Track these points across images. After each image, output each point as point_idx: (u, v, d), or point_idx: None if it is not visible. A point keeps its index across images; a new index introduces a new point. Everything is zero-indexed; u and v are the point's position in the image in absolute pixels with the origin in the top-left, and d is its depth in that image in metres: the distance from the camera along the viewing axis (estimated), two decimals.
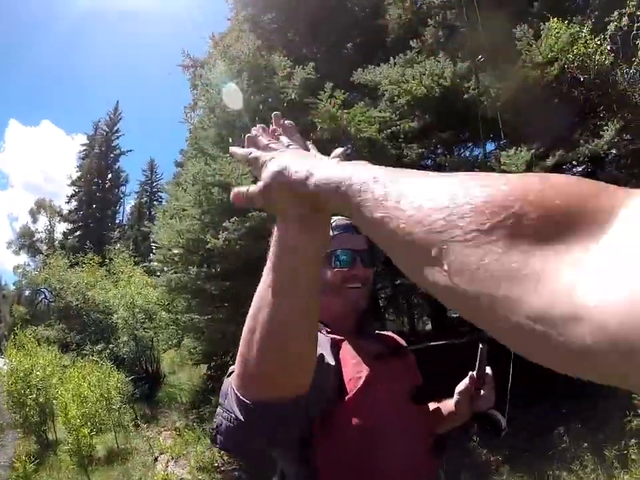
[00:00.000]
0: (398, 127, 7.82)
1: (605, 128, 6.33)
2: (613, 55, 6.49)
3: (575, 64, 6.61)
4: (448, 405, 1.55)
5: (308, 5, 9.53)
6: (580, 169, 7.88)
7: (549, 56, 6.77)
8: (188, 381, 13.47)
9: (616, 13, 6.45)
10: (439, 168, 7.94)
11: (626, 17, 6.29)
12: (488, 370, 1.52)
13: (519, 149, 6.32)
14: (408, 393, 1.34)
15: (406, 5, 8.91)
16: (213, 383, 11.75)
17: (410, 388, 1.36)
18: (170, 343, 14.57)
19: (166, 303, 12.15)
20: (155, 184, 42.89)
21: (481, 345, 1.48)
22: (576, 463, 5.28)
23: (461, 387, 1.53)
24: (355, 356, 1.25)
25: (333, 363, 1.12)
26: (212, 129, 8.92)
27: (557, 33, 6.70)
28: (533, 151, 6.29)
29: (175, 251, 9.58)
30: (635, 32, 6.38)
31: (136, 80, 75.92)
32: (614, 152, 6.94)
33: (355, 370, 1.21)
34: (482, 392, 1.50)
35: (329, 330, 1.32)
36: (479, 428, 1.53)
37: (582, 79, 6.56)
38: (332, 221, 1.34)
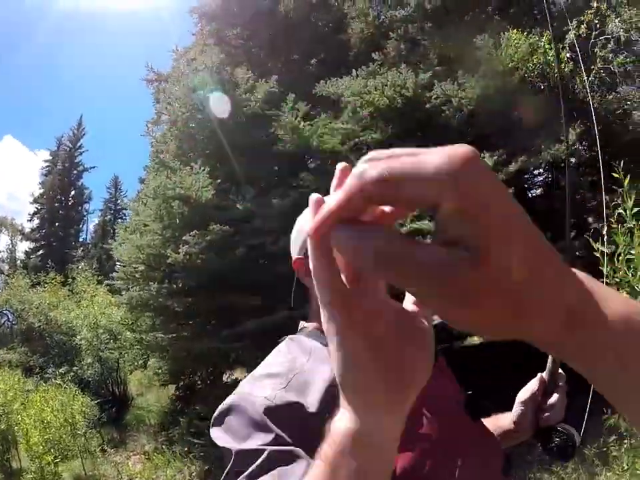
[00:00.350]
0: (361, 138, 7.62)
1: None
2: (572, 62, 6.43)
3: (535, 72, 6.52)
4: (501, 422, 1.19)
5: (272, 21, 9.39)
6: (541, 178, 7.83)
7: (510, 65, 6.66)
8: (156, 403, 12.89)
9: (575, 21, 6.39)
10: None
11: (584, 25, 6.24)
12: (560, 370, 1.15)
13: (482, 155, 6.13)
14: (461, 406, 1.02)
15: (368, 19, 8.84)
16: (182, 404, 11.36)
17: (460, 399, 1.05)
18: (136, 363, 14.03)
19: (130, 322, 11.62)
20: (119, 201, 40.71)
21: None
22: (556, 464, 5.03)
23: (524, 394, 1.16)
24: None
25: None
26: (173, 142, 8.62)
27: (517, 43, 6.61)
28: (495, 157, 6.12)
29: (136, 267, 9.15)
30: (592, 40, 6.35)
31: (100, 96, 73.82)
32: (573, 160, 6.85)
33: None
34: (551, 400, 1.13)
35: None
36: (543, 447, 1.14)
37: (542, 87, 6.47)
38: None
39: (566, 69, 6.43)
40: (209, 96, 7.88)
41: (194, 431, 8.96)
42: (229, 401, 0.92)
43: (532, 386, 1.15)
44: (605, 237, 3.29)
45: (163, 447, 9.27)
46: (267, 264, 8.02)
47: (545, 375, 1.14)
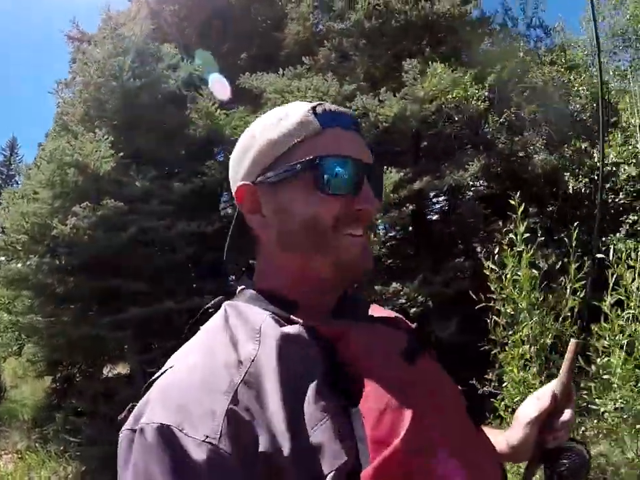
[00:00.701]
0: None
1: (470, 163, 6.26)
2: (488, 102, 6.59)
3: (453, 105, 6.59)
4: (495, 441, 0.83)
5: (212, 6, 8.99)
6: (439, 205, 8.09)
7: (430, 93, 6.68)
8: (31, 396, 11.42)
9: (499, 65, 6.60)
10: None
11: (507, 71, 6.48)
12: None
13: (389, 169, 5.99)
14: (466, 412, 0.73)
15: (307, 24, 8.71)
16: (58, 398, 10.08)
17: (463, 402, 0.75)
18: (10, 349, 12.50)
19: (6, 302, 10.31)
20: (12, 166, 35.51)
21: (573, 340, 0.90)
22: None
23: (529, 413, 0.88)
24: (382, 356, 0.63)
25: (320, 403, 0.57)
26: (81, 105, 7.76)
27: (442, 73, 6.68)
28: (402, 174, 5.99)
29: (18, 237, 8.09)
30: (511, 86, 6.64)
31: (11, 48, 66.33)
32: (471, 193, 7.10)
33: (388, 388, 0.59)
34: (564, 417, 0.87)
35: (291, 317, 0.66)
36: (552, 471, 0.89)
37: (457, 119, 6.56)
38: (315, 104, 0.72)
39: (481, 107, 6.56)
40: (129, 64, 7.20)
41: (70, 428, 7.81)
42: (148, 438, 0.56)
43: (539, 405, 0.88)
44: (496, 257, 3.41)
45: (37, 445, 8.03)
46: (158, 250, 7.34)
47: (556, 389, 0.88)
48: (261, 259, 0.76)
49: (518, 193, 3.59)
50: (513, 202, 3.45)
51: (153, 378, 0.63)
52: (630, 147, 6.20)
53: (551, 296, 3.10)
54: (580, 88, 7.33)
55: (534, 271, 3.21)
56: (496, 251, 3.40)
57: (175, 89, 7.41)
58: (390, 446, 0.55)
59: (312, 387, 0.58)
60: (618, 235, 5.33)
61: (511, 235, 3.38)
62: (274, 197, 0.71)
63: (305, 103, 0.74)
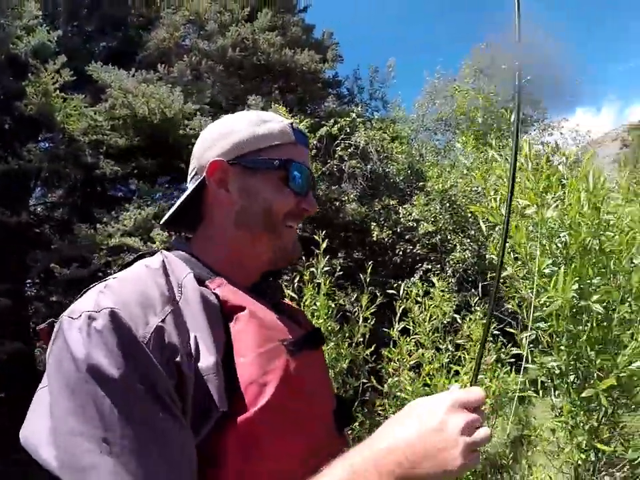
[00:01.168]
0: (105, 137, 6.81)
1: None
2: (315, 151, 6.94)
3: None
4: None
5: None
6: None
7: None
8: None
9: (332, 120, 7.06)
10: (132, 194, 7.30)
11: (337, 126, 6.95)
12: None
13: None
14: (335, 420, 0.81)
15: (175, 34, 8.26)
16: None
17: (333, 404, 0.82)
18: None
19: None
20: None
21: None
22: None
23: None
24: (265, 340, 0.68)
25: (212, 359, 0.62)
26: None
27: (280, 115, 6.90)
28: None
29: None
30: (339, 140, 7.11)
31: None
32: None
33: (260, 367, 0.65)
34: None
35: (206, 282, 0.72)
36: None
37: None
38: (291, 122, 0.85)
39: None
40: None
41: None
42: (98, 324, 0.58)
43: None
44: (296, 286, 3.53)
45: None
46: None
47: None
48: (207, 231, 0.81)
49: (323, 232, 3.77)
50: (317, 237, 3.60)
51: (91, 286, 0.66)
52: (431, 209, 7.21)
53: (346, 325, 3.34)
54: (399, 155, 8.27)
55: (331, 302, 3.39)
56: (296, 280, 3.50)
57: (21, 53, 6.39)
58: (243, 415, 0.62)
59: (207, 343, 0.64)
60: (412, 279, 5.99)
61: (312, 269, 3.51)
62: (245, 180, 0.79)
63: (280, 116, 0.86)
